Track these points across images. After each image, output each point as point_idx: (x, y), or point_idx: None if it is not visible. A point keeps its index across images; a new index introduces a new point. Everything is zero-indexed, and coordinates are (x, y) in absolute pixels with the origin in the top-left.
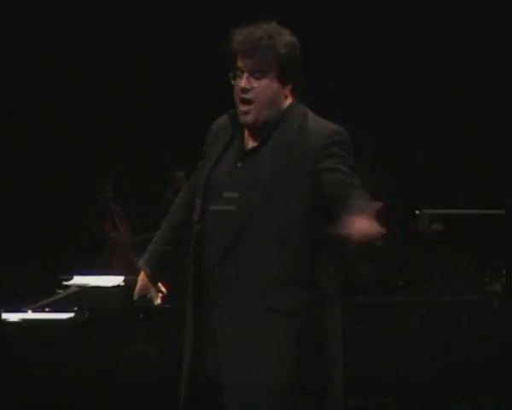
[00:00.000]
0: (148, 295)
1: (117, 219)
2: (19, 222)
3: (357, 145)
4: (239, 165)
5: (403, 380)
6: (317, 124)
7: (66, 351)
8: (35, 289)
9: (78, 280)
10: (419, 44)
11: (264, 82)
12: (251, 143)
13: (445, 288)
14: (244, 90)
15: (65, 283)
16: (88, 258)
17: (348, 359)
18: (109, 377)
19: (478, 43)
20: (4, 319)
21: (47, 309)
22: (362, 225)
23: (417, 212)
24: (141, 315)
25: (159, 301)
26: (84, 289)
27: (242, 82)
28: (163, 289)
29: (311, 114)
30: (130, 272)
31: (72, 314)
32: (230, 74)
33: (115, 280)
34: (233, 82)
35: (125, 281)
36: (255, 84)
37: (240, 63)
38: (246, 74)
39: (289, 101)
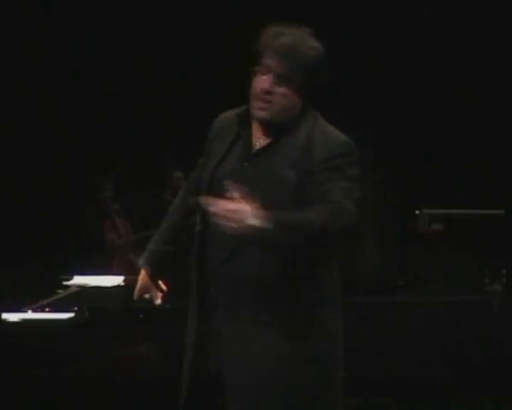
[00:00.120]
0: (149, 295)
1: (117, 218)
2: (19, 222)
3: (357, 145)
4: (245, 164)
5: (403, 380)
6: (325, 134)
7: (66, 351)
8: (35, 289)
9: (78, 280)
10: (419, 44)
11: (286, 90)
12: (259, 144)
13: (445, 288)
14: (265, 91)
15: (65, 283)
16: (88, 258)
17: (348, 359)
18: (109, 377)
19: (478, 43)
20: (4, 319)
21: (47, 309)
22: (226, 206)
23: (417, 212)
24: (141, 315)
25: (159, 300)
26: (84, 289)
27: (265, 82)
28: (164, 287)
29: (321, 122)
30: (130, 272)
31: (72, 314)
32: (252, 69)
33: (115, 280)
34: (253, 76)
35: (125, 281)
36: (277, 88)
37: (266, 62)
38: (270, 76)
39: (303, 106)
